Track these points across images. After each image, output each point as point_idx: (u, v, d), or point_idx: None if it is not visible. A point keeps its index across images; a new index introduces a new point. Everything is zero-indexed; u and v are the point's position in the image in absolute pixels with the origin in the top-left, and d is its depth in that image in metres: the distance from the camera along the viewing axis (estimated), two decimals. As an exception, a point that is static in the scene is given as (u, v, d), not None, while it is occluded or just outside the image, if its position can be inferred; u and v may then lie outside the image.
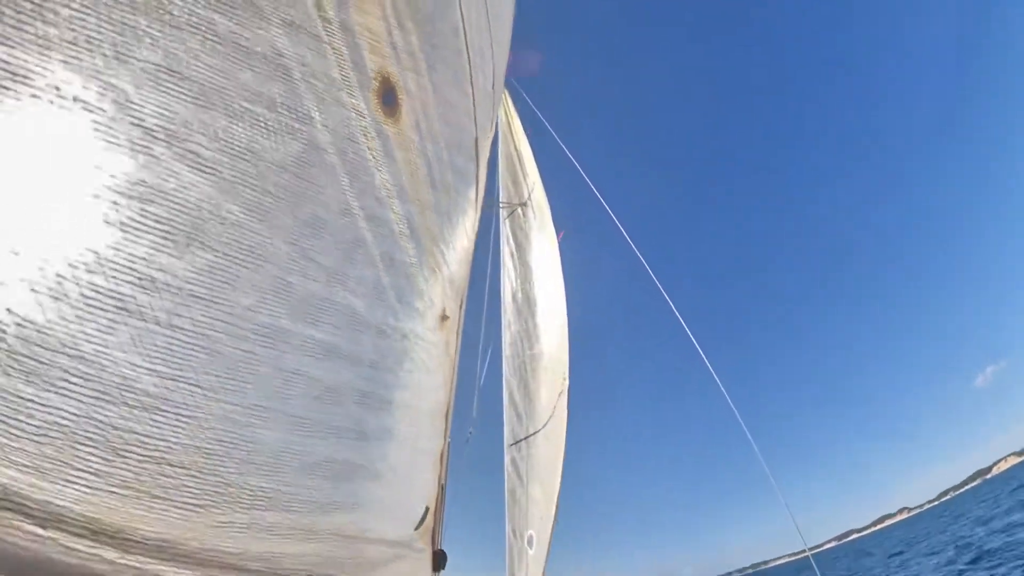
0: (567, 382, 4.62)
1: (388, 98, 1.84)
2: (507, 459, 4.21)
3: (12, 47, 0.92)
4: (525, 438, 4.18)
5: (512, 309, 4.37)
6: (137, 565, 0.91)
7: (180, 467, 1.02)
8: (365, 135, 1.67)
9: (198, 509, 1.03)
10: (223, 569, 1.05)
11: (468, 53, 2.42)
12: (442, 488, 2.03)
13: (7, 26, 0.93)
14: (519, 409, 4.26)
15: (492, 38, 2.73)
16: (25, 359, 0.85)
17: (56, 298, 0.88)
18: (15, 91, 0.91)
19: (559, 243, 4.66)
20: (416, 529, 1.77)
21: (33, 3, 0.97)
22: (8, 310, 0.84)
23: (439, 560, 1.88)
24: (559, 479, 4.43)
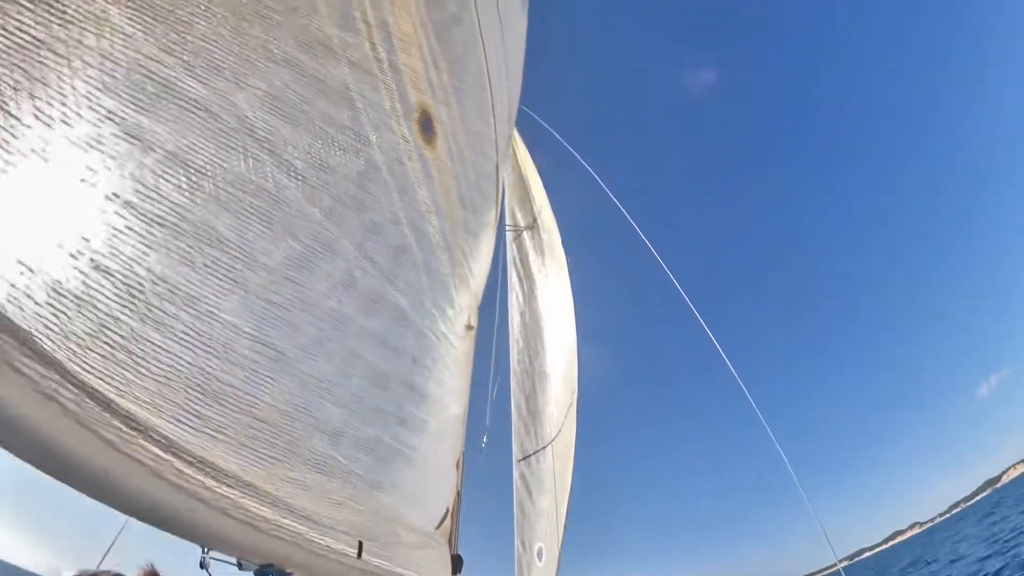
0: (576, 395, 4.69)
1: (426, 127, 2.12)
2: (516, 473, 4.20)
3: (168, 68, 1.15)
4: (534, 453, 4.19)
5: (520, 328, 4.51)
6: (231, 496, 1.03)
7: (262, 421, 1.15)
8: (410, 158, 1.92)
9: (273, 461, 1.16)
10: (294, 515, 1.15)
11: (491, 88, 2.76)
12: (458, 494, 2.11)
13: (163, 51, 1.17)
14: (527, 424, 4.30)
15: (508, 74, 3.10)
16: (157, 311, 1.01)
17: (185, 264, 1.06)
18: (167, 99, 1.13)
19: (568, 264, 4.87)
20: (437, 528, 1.84)
21: (177, 33, 1.21)
22: (148, 269, 1.01)
23: (457, 563, 1.93)
24: (568, 492, 4.40)
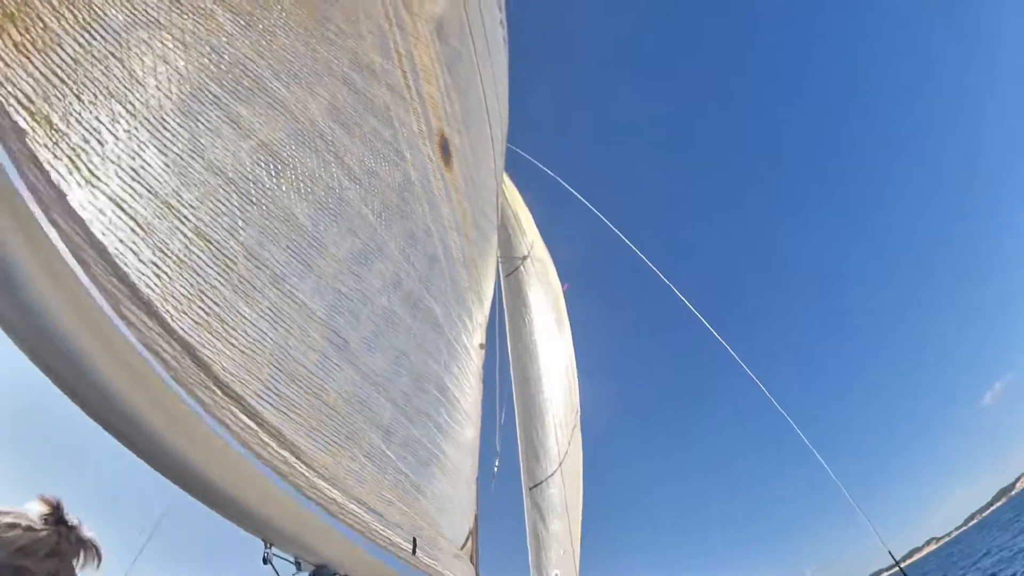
0: (579, 415, 4.66)
1: (445, 149, 2.27)
2: (527, 503, 3.99)
3: (260, 68, 1.23)
4: (544, 479, 4.03)
5: (520, 357, 4.50)
6: (306, 474, 0.98)
7: (328, 406, 1.13)
8: (434, 176, 2.05)
9: (336, 449, 1.12)
10: (360, 503, 1.11)
11: (488, 120, 3.00)
12: (476, 519, 2.03)
13: (256, 54, 1.25)
14: (535, 452, 4.16)
15: (499, 106, 3.37)
16: (248, 284, 1.02)
17: (273, 243, 1.08)
18: (259, 95, 1.20)
19: (564, 294, 5.00)
20: (461, 548, 1.76)
21: (266, 40, 1.30)
22: (243, 244, 1.03)
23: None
24: (580, 513, 4.22)
